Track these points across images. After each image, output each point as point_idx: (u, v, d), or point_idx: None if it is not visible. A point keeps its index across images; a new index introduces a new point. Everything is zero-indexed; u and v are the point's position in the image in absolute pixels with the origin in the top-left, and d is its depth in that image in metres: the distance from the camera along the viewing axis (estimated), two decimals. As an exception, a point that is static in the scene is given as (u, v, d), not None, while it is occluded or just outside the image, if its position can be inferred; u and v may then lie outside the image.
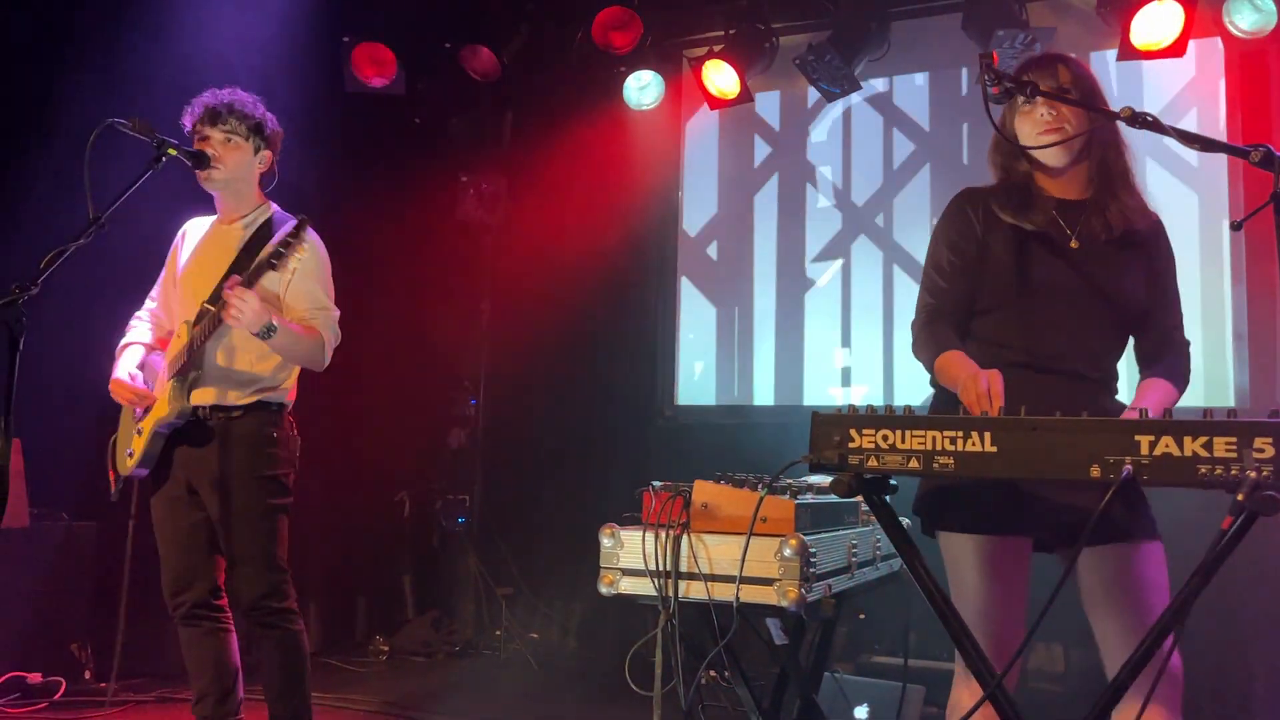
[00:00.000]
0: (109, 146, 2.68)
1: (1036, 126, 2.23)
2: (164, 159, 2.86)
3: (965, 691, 2.24)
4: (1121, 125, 2.10)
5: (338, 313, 3.11)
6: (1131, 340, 2.35)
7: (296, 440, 3.16)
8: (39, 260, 2.48)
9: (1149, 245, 2.30)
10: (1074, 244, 2.24)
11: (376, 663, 5.52)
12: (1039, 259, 2.25)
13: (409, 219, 6.02)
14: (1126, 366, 2.36)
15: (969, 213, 2.33)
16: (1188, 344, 2.34)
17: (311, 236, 3.09)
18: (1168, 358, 2.29)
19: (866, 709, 3.39)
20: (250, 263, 3.03)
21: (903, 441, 1.79)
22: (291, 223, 3.11)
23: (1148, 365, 2.32)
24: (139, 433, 3.07)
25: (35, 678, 4.26)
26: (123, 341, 3.22)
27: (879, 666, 4.56)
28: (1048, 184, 2.31)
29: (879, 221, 5.64)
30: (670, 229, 6.14)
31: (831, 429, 1.83)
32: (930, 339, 2.29)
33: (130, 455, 3.08)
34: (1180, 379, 2.27)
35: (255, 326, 2.81)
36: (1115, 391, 2.30)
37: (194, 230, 3.26)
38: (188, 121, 3.10)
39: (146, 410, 3.07)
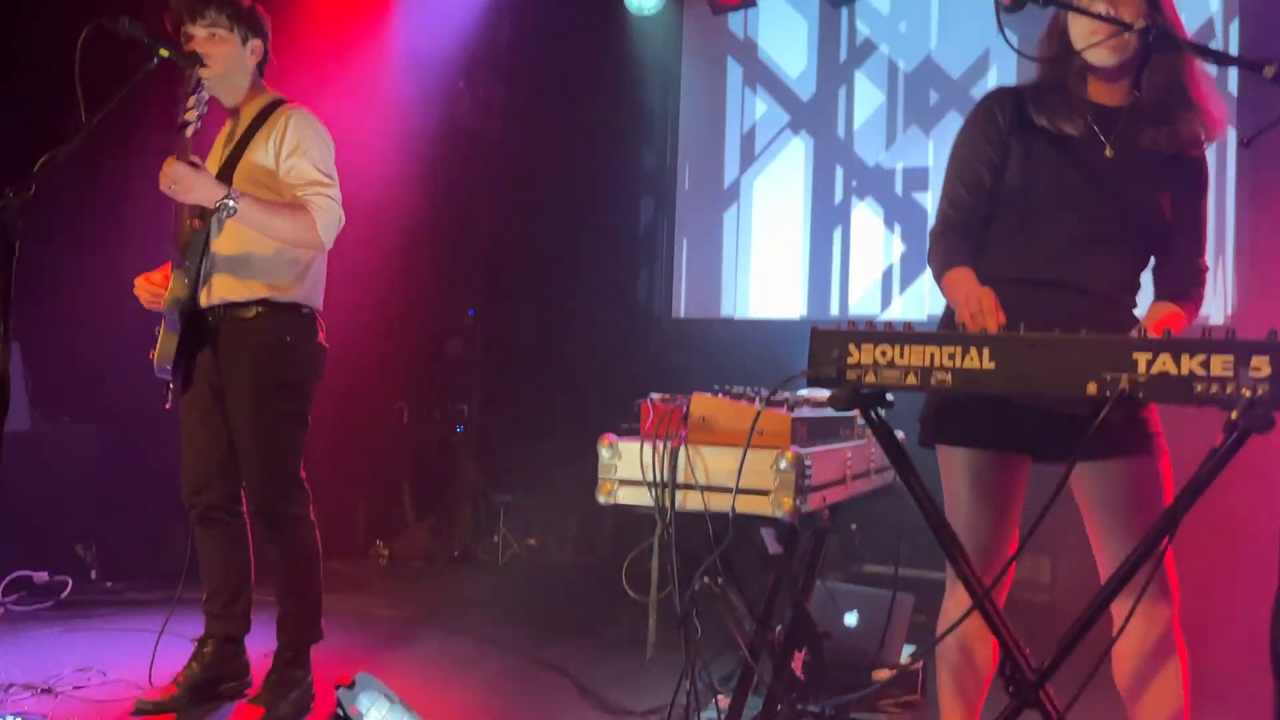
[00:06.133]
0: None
1: (1090, 28, 2.09)
2: (156, 60, 2.81)
3: (954, 602, 2.29)
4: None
5: (337, 190, 3.02)
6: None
7: (321, 348, 3.12)
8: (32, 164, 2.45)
9: (1188, 167, 2.20)
10: (1109, 152, 2.12)
11: (377, 567, 5.63)
12: (1066, 166, 2.16)
13: (404, 126, 5.92)
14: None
15: (996, 114, 2.23)
16: (1205, 270, 2.28)
17: (304, 113, 3.06)
18: (1183, 284, 2.24)
19: (856, 615, 3.46)
20: (247, 145, 3.00)
21: (901, 357, 1.79)
22: (284, 108, 3.06)
23: (1163, 289, 2.27)
24: (158, 330, 3.08)
25: (41, 577, 4.34)
26: None
27: (870, 575, 4.66)
28: (1095, 87, 2.19)
29: (886, 126, 5.56)
30: (670, 135, 6.07)
31: (830, 344, 1.84)
32: (941, 253, 2.24)
33: (154, 350, 3.07)
34: (1193, 306, 2.23)
35: (208, 201, 2.79)
36: (1132, 306, 2.24)
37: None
38: (169, 22, 3.03)
39: None
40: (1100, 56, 2.13)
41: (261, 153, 3.01)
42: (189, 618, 3.29)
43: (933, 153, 5.40)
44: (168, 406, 3.13)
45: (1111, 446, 2.07)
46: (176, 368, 3.05)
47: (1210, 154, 2.27)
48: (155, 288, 3.07)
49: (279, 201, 2.95)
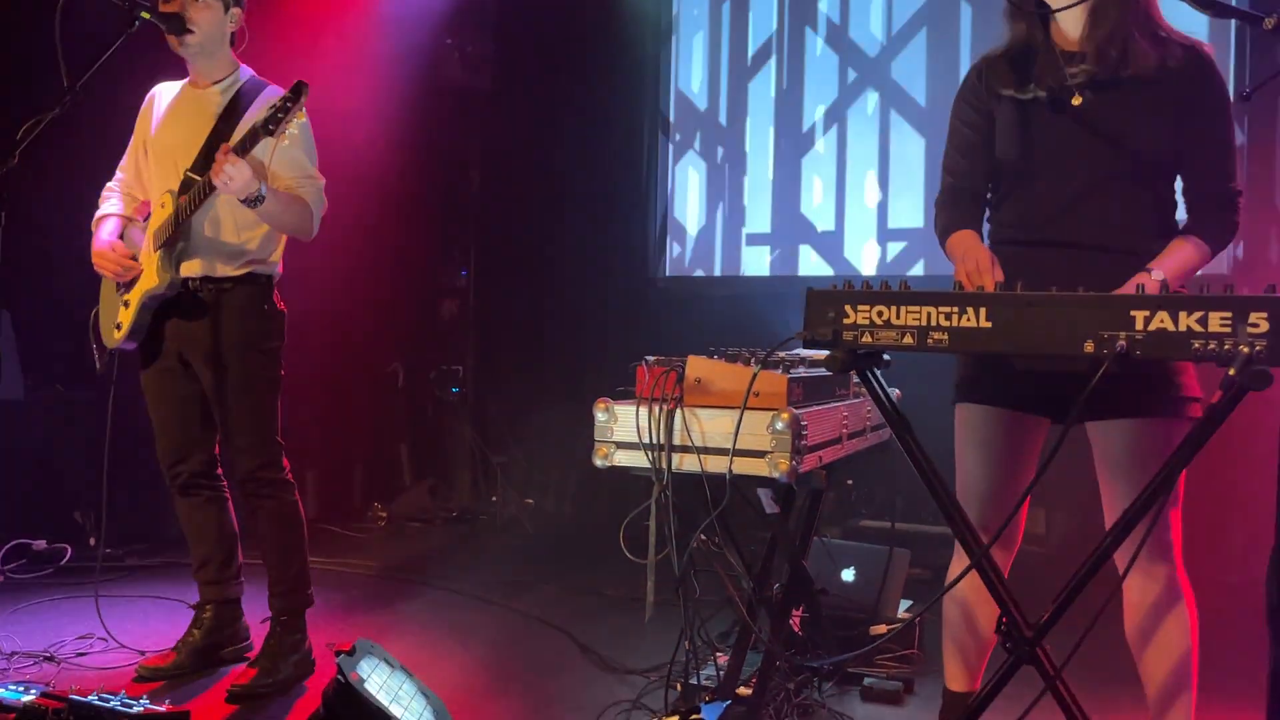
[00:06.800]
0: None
1: None
2: (137, 23, 2.76)
3: (960, 562, 2.30)
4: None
5: (323, 181, 3.06)
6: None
7: (284, 314, 3.15)
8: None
9: (1181, 85, 2.08)
10: (1076, 100, 2.10)
11: (375, 529, 5.65)
12: (1039, 126, 2.15)
13: (391, 85, 5.85)
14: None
15: (975, 83, 2.26)
16: (1235, 195, 2.13)
17: None
18: (1206, 213, 2.14)
19: (853, 571, 3.48)
20: (231, 129, 2.96)
21: (897, 317, 1.79)
22: (274, 89, 3.03)
23: (1189, 219, 2.17)
24: (125, 305, 3.04)
25: (40, 545, 4.35)
26: (98, 214, 3.17)
27: (866, 530, 4.68)
28: (1059, 37, 2.16)
29: (880, 71, 5.50)
30: (662, 90, 6.00)
31: (826, 305, 1.83)
32: (944, 219, 2.28)
33: (118, 328, 3.06)
34: (1214, 238, 2.12)
35: (245, 193, 2.77)
36: (1151, 253, 2.10)
37: (163, 95, 3.16)
38: None
39: (131, 283, 3.04)
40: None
41: (261, 146, 2.92)
42: (188, 582, 3.30)
43: (929, 109, 5.34)
44: (102, 374, 3.11)
45: (1127, 405, 2.07)
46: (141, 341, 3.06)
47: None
48: (124, 260, 3.02)
49: (290, 195, 2.97)
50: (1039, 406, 2.20)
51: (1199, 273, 2.15)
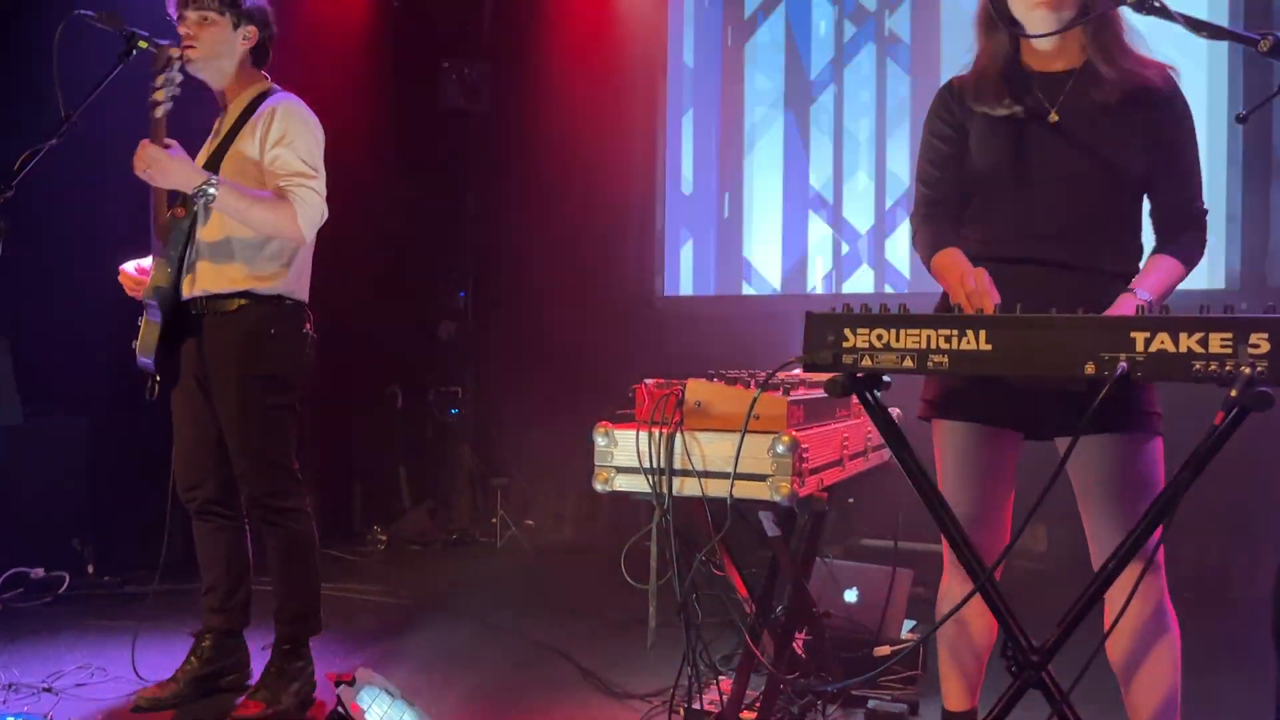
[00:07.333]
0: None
1: None
2: (135, 52, 2.78)
3: (956, 580, 2.29)
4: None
5: (321, 182, 2.99)
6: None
7: (307, 337, 3.09)
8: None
9: (1154, 108, 2.13)
10: (1053, 118, 2.13)
11: (375, 552, 5.62)
12: (1016, 144, 2.16)
13: (389, 107, 5.87)
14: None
15: (948, 100, 2.27)
16: (1203, 213, 2.20)
17: (293, 102, 3.03)
18: (1177, 231, 2.18)
19: (856, 592, 3.47)
20: (233, 140, 2.97)
21: (897, 340, 1.78)
22: (278, 96, 3.03)
23: (1158, 237, 2.21)
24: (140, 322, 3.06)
25: (38, 573, 4.33)
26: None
27: (868, 549, 4.66)
28: (1031, 57, 2.19)
29: (874, 92, 5.53)
30: (658, 111, 6.02)
31: (825, 328, 1.82)
32: (926, 236, 2.27)
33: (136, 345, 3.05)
34: (1189, 255, 2.16)
35: (185, 186, 2.77)
36: (1123, 271, 2.15)
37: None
38: (170, 8, 3.01)
39: None
40: (1039, 23, 2.10)
41: (249, 143, 2.98)
42: (187, 610, 3.28)
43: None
44: (151, 399, 3.08)
45: (1102, 422, 2.06)
46: (160, 359, 3.02)
47: (1201, 130, 2.23)
48: (140, 277, 3.04)
49: (260, 191, 2.92)
50: (1013, 421, 2.20)
51: (1178, 288, 2.16)
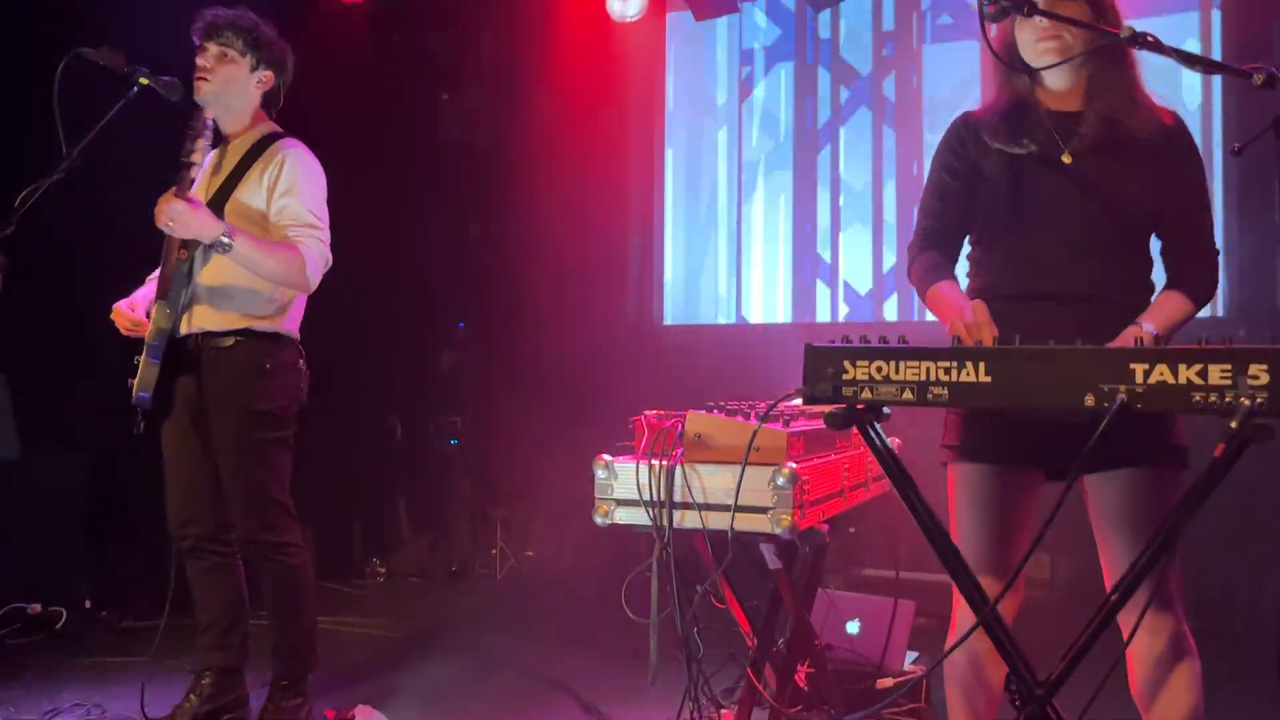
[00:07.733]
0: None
1: (1034, 34, 2.15)
2: (135, 88, 2.80)
3: (963, 617, 2.27)
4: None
5: (326, 233, 3.02)
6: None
7: (301, 372, 3.10)
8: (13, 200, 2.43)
9: (1162, 149, 2.17)
10: (1066, 158, 2.16)
11: (374, 585, 5.59)
12: (1030, 181, 2.19)
13: (389, 139, 5.90)
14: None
15: (963, 134, 2.29)
16: (1215, 253, 2.22)
17: (301, 152, 3.05)
18: (1188, 269, 2.21)
19: (858, 624, 3.45)
20: (237, 182, 2.99)
21: (897, 372, 1.78)
22: (286, 142, 3.05)
23: (1169, 275, 2.24)
24: (138, 359, 3.05)
25: (35, 609, 4.30)
26: (152, 275, 3.19)
27: (870, 580, 4.64)
28: (1045, 97, 2.24)
29: (874, 120, 5.56)
30: (656, 141, 6.05)
31: (825, 361, 1.82)
32: (923, 270, 2.28)
33: (133, 382, 3.04)
34: (1199, 292, 2.18)
35: (204, 237, 2.79)
36: (1138, 304, 2.17)
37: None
38: (194, 36, 3.04)
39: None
40: (1048, 63, 2.14)
41: (253, 190, 2.99)
42: (186, 646, 3.26)
43: (925, 162, 5.39)
44: (138, 433, 3.05)
45: (1120, 456, 2.07)
46: (155, 396, 3.02)
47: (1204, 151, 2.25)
48: (135, 316, 3.04)
49: (273, 241, 2.94)
50: (1032, 459, 2.19)
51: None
